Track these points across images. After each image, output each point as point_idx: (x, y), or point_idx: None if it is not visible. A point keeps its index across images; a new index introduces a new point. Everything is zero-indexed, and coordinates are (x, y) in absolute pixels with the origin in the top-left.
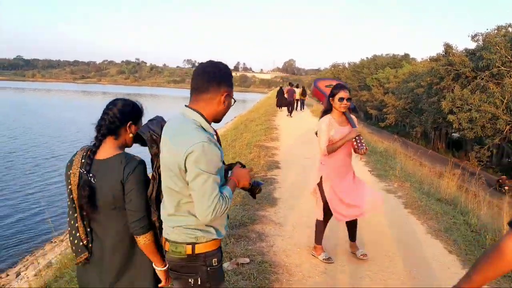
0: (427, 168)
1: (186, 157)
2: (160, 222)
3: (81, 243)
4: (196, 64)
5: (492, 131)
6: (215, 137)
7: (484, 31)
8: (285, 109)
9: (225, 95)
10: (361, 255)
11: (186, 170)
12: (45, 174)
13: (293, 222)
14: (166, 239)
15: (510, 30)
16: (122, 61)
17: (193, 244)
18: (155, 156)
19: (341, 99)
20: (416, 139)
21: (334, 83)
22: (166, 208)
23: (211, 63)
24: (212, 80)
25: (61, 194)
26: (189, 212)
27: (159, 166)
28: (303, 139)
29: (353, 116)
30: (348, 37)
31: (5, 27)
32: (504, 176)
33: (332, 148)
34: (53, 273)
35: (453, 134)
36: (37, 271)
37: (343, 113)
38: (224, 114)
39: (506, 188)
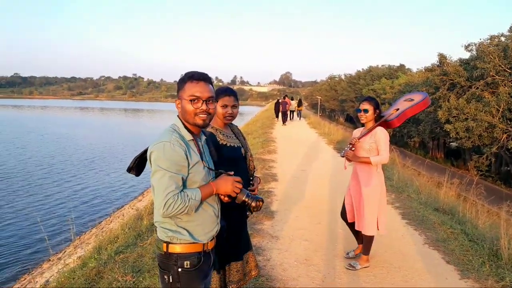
0: (425, 178)
1: (150, 155)
2: None
3: None
4: None
5: (489, 139)
6: (192, 142)
7: (477, 40)
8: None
9: (177, 101)
10: (348, 265)
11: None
12: (42, 192)
13: (290, 235)
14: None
15: (503, 40)
16: (119, 77)
17: (168, 243)
18: None
19: (358, 110)
20: (414, 149)
21: (415, 97)
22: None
23: None
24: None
25: (59, 211)
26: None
27: None
28: (300, 151)
29: (379, 129)
30: (344, 49)
31: (2, 44)
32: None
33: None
34: None
35: (451, 143)
36: None
37: (375, 123)
38: (189, 119)
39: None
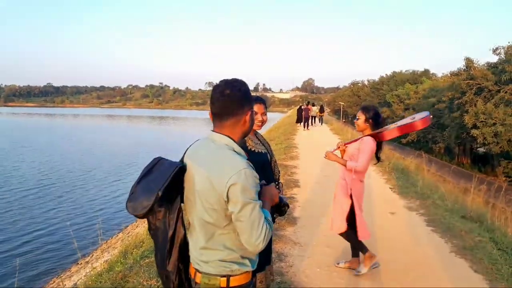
0: (451, 184)
1: (229, 187)
2: (182, 266)
3: None
4: None
5: None
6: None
7: (505, 44)
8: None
9: (249, 114)
10: (356, 271)
11: (227, 200)
12: (73, 197)
13: (313, 242)
14: (197, 270)
15: None
16: (146, 85)
17: (228, 277)
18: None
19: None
20: (439, 155)
21: (417, 115)
22: (198, 240)
23: (226, 84)
24: (234, 103)
25: (87, 216)
26: (224, 246)
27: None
28: (322, 157)
29: (366, 138)
30: (367, 55)
31: (36, 56)
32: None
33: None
34: None
35: (478, 149)
36: None
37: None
38: (251, 130)
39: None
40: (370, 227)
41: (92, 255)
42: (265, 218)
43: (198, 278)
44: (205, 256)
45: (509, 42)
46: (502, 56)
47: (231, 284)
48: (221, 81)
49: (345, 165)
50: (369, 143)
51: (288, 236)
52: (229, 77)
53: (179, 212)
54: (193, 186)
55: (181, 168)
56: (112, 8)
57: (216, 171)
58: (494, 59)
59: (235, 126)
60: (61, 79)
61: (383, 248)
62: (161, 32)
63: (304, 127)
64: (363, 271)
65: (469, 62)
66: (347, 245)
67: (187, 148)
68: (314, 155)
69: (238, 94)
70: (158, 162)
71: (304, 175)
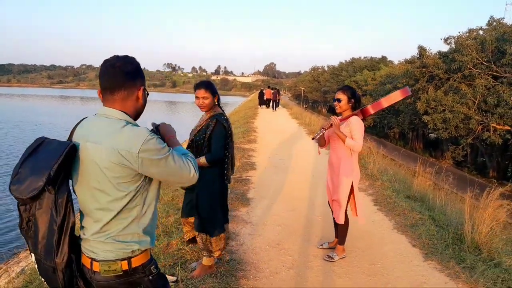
0: (402, 167)
1: (142, 157)
2: (74, 257)
3: None
4: (177, 68)
5: (465, 131)
6: None
7: (456, 34)
8: (265, 107)
9: (142, 89)
10: (327, 256)
11: (145, 168)
12: None
13: (264, 221)
14: (94, 259)
15: (481, 33)
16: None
17: (129, 259)
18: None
19: (333, 100)
20: (394, 140)
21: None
22: (93, 225)
23: (118, 58)
24: (126, 75)
25: None
26: (123, 226)
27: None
28: (280, 141)
29: (354, 118)
30: (327, 41)
31: None
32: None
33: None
34: (23, 279)
35: (430, 134)
36: (9, 279)
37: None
38: (143, 110)
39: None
40: (320, 207)
41: None
42: (183, 154)
43: (96, 267)
44: (102, 241)
45: (459, 32)
46: (453, 45)
47: (134, 265)
48: (112, 56)
49: (344, 140)
50: (360, 123)
51: (241, 216)
52: (189, 58)
53: (68, 197)
54: (91, 165)
55: (73, 147)
56: None
57: (121, 145)
58: (445, 48)
59: (127, 101)
60: (7, 57)
61: (331, 226)
62: (115, 7)
63: (273, 109)
64: (336, 259)
65: (422, 50)
66: (297, 224)
67: (74, 128)
68: (272, 139)
69: (130, 67)
70: (43, 142)
71: (261, 158)
